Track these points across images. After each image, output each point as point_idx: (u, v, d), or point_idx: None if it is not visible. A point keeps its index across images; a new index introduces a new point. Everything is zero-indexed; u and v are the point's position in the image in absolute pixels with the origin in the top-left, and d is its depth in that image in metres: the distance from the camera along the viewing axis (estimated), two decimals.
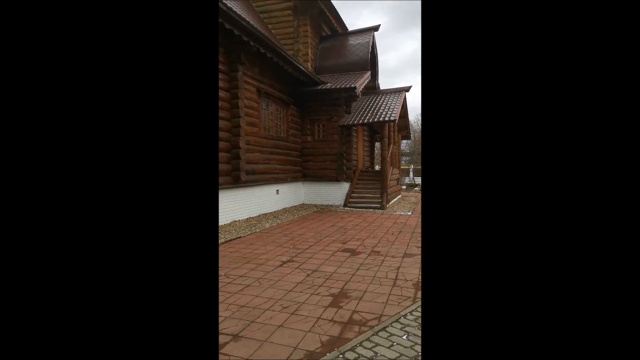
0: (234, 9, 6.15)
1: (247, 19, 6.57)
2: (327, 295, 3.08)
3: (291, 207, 9.72)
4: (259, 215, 8.00)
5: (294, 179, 9.98)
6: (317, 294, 3.11)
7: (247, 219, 7.49)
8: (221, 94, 6.75)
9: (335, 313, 2.70)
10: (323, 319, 2.60)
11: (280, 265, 4.04)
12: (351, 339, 2.28)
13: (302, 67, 8.95)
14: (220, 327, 2.47)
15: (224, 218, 6.80)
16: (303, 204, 10.46)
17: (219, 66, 6.68)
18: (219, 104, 6.69)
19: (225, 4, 5.71)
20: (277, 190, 9.07)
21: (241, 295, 3.09)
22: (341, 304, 2.88)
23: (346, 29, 13.07)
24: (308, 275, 3.68)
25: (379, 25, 12.44)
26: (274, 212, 8.64)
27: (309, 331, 2.40)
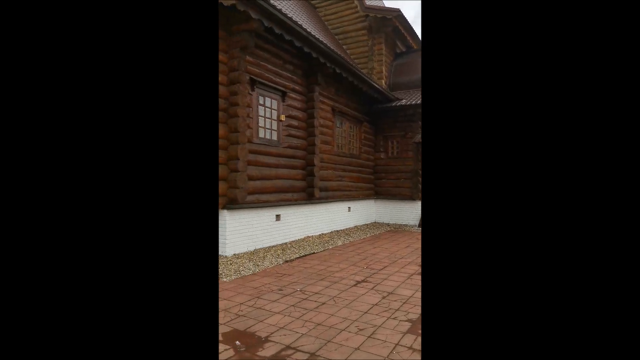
0: (313, 33, 6.44)
1: (324, 41, 6.82)
2: (405, 321, 2.93)
3: (363, 225, 9.61)
4: (331, 232, 8.04)
5: (366, 196, 9.89)
6: (394, 318, 2.98)
7: (320, 235, 7.58)
8: (298, 113, 7.05)
9: (415, 340, 2.55)
10: (401, 345, 2.47)
11: (355, 285, 3.98)
12: None
13: (376, 85, 8.97)
14: (297, 343, 2.49)
15: (298, 233, 6.97)
16: (375, 222, 10.28)
17: (297, 87, 7.00)
18: (297, 124, 6.98)
19: (304, 29, 6.01)
20: (349, 208, 9.06)
21: (317, 312, 3.09)
22: (420, 331, 2.71)
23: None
24: (384, 297, 3.56)
25: None
26: (346, 229, 8.62)
27: (387, 357, 2.30)
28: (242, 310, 3.10)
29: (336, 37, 11.80)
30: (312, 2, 12.22)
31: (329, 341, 2.53)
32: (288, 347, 2.42)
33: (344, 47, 11.61)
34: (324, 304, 3.33)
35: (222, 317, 2.93)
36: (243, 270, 4.50)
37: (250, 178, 5.72)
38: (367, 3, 11.17)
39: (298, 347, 2.43)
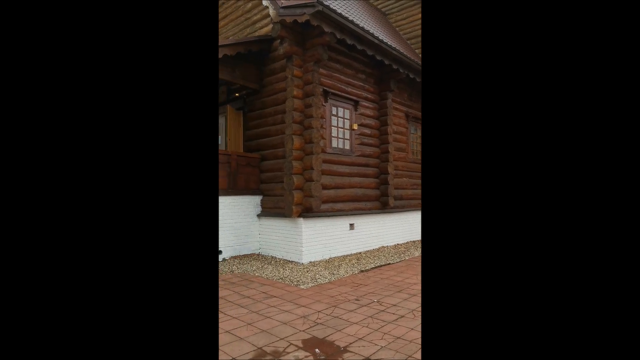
0: (385, 40, 6.39)
1: (396, 47, 6.72)
2: None
3: None
4: (407, 242, 7.78)
5: None
6: None
7: (395, 245, 7.38)
8: (371, 121, 7.01)
9: None
10: None
11: None
12: None
13: None
14: (376, 356, 2.43)
15: (372, 243, 6.88)
16: None
17: (369, 96, 6.98)
18: (369, 132, 6.94)
19: (376, 37, 6.00)
20: None
21: (396, 325, 3.00)
22: None
23: None
24: None
25: None
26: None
27: None
28: (320, 318, 3.14)
29: (408, 42, 11.56)
30: (383, 9, 12.18)
31: (409, 356, 2.42)
32: (367, 359, 2.38)
33: (416, 51, 11.31)
34: (402, 316, 3.22)
35: (302, 324, 3.01)
36: (319, 279, 4.57)
37: (324, 187, 5.82)
38: None
39: None
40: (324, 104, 5.93)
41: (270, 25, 6.21)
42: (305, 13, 5.02)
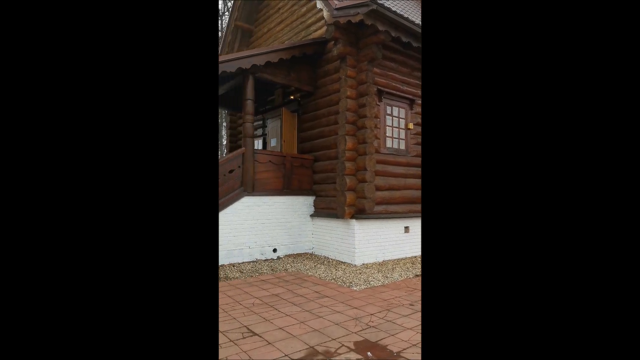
0: None
1: None
2: None
3: None
4: None
5: None
6: None
7: None
8: None
9: None
10: None
11: None
12: None
13: None
14: None
15: None
16: None
17: None
18: None
19: None
20: None
21: None
22: None
23: None
24: None
25: None
26: None
27: None
28: (372, 321, 3.08)
29: None
30: None
31: None
32: None
33: None
34: None
35: (354, 326, 2.97)
36: (372, 281, 4.49)
37: (378, 188, 5.72)
38: None
39: None
40: (378, 103, 5.83)
41: (324, 28, 6.27)
42: (359, 13, 4.98)
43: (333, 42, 5.75)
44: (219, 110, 18.94)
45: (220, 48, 9.53)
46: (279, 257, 5.89)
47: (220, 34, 18.13)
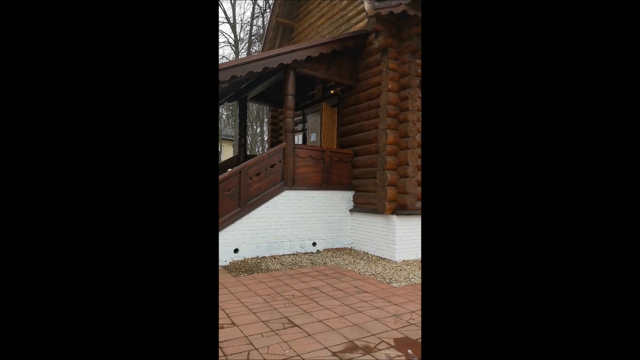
0: None
1: None
2: None
3: None
4: None
5: None
6: None
7: None
8: None
9: None
10: None
11: None
12: None
13: None
14: None
15: None
16: None
17: None
18: None
19: None
20: None
21: None
22: None
23: None
24: None
25: None
26: None
27: None
28: (413, 319, 3.02)
29: None
30: None
31: None
32: None
33: None
34: None
35: (394, 323, 2.93)
36: (413, 278, 4.40)
37: (420, 184, 5.57)
38: None
39: None
40: (420, 96, 5.66)
41: (365, 20, 6.17)
42: (401, 3, 4.85)
43: (374, 34, 5.65)
44: (262, 106, 19.37)
45: (262, 45, 9.72)
46: (318, 251, 5.94)
47: (262, 31, 18.49)
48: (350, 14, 6.84)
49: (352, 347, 2.46)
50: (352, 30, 6.65)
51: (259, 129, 23.56)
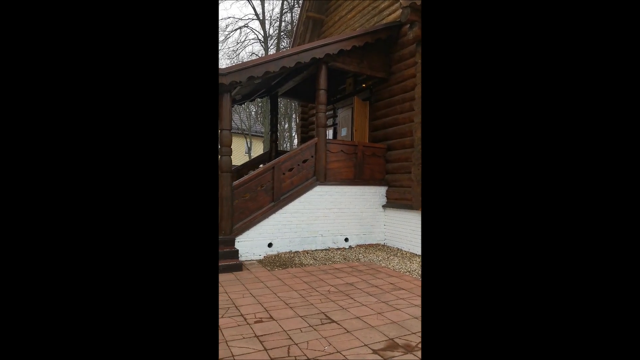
0: None
1: None
2: None
3: None
4: None
5: None
6: None
7: None
8: None
9: None
10: None
11: None
12: None
13: None
14: None
15: None
16: None
17: None
18: None
19: None
20: None
21: None
22: None
23: None
24: None
25: None
26: None
27: None
28: None
29: None
30: None
31: None
32: None
33: None
34: None
35: None
36: None
37: None
38: None
39: None
40: None
41: (398, 11, 6.01)
42: None
43: (408, 25, 5.48)
44: (290, 102, 19.46)
45: (292, 40, 9.71)
46: (350, 247, 5.89)
47: (290, 27, 18.52)
48: (383, 5, 6.69)
49: (392, 345, 2.40)
50: (384, 22, 6.49)
51: (287, 125, 23.72)
